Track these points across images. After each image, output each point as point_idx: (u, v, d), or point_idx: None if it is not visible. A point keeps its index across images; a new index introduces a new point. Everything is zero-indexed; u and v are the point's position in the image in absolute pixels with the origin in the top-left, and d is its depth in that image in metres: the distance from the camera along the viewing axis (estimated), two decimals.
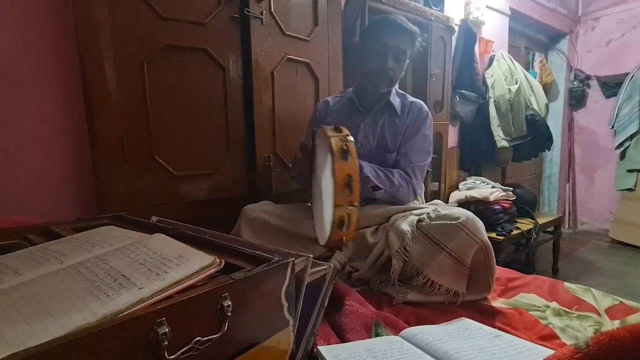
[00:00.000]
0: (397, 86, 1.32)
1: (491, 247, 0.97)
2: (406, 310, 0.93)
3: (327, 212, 0.85)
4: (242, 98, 1.37)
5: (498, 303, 0.97)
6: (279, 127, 1.46)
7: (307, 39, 1.53)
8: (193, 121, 1.27)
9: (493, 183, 2.42)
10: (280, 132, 1.47)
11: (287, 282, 0.54)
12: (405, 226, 1.00)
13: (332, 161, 0.80)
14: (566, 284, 1.06)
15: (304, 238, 1.17)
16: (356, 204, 0.81)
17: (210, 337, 0.44)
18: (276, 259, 0.54)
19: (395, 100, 1.26)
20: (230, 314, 0.46)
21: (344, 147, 0.81)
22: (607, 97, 3.52)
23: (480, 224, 0.96)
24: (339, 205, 0.78)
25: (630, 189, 3.25)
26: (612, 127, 3.41)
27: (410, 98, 1.30)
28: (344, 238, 0.83)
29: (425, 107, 1.29)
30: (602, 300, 0.95)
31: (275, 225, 1.16)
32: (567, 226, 3.85)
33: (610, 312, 0.90)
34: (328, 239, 0.83)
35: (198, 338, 0.43)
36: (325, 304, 0.69)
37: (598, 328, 0.83)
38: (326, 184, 0.89)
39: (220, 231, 0.74)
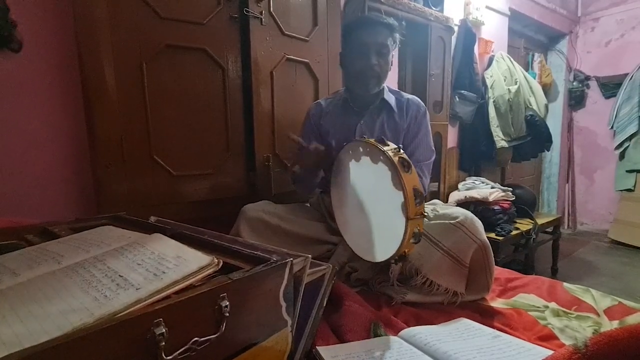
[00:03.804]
0: (395, 85, 1.31)
1: (490, 247, 0.97)
2: (405, 310, 0.93)
3: (387, 226, 0.83)
4: (241, 98, 1.37)
5: (497, 303, 0.97)
6: (279, 127, 1.46)
7: (307, 39, 1.52)
8: (192, 121, 1.27)
9: (492, 183, 2.42)
10: (279, 132, 1.46)
11: (285, 282, 0.54)
12: None
13: (397, 175, 0.78)
14: (565, 284, 1.06)
15: (303, 238, 1.17)
16: (425, 214, 0.79)
17: (208, 337, 0.44)
18: (274, 259, 0.54)
19: (391, 98, 1.24)
20: (228, 314, 0.45)
21: (403, 160, 0.80)
22: (607, 97, 3.53)
23: (479, 223, 0.96)
24: (412, 218, 0.75)
25: (629, 190, 3.25)
26: (612, 127, 3.41)
27: (405, 95, 1.28)
28: (408, 250, 0.80)
29: (422, 102, 1.28)
30: (601, 300, 0.95)
31: (275, 225, 1.16)
32: (566, 226, 3.86)
33: (609, 312, 0.90)
34: (395, 253, 0.79)
35: (196, 338, 0.43)
36: (324, 304, 0.69)
37: (597, 328, 0.83)
38: (375, 198, 0.87)
39: (219, 231, 0.73)
